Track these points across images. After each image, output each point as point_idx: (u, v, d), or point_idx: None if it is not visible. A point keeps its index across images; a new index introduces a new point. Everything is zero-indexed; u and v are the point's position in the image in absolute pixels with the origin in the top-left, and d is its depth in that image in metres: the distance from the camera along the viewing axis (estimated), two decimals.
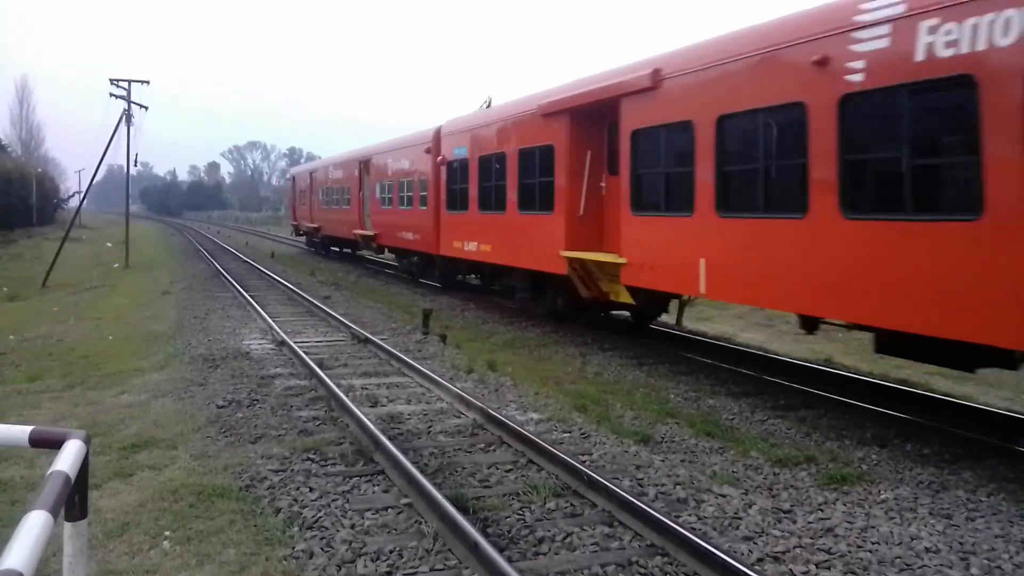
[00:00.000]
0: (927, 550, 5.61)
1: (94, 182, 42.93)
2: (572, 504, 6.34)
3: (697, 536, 5.36)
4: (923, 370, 13.47)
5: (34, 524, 2.38)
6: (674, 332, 15.74)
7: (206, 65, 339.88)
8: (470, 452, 7.73)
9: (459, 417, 8.95)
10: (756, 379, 11.30)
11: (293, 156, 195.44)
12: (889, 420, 9.05)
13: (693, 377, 11.61)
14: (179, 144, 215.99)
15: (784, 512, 6.30)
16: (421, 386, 10.48)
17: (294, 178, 46.22)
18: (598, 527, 5.87)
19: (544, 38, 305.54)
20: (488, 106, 19.46)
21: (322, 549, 5.49)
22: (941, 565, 5.36)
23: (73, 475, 3.01)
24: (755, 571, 4.87)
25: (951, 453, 7.97)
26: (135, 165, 40.80)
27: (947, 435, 8.48)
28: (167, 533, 5.79)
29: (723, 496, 6.60)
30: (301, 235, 45.20)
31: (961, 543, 5.75)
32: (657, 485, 6.86)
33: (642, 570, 5.20)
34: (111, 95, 38.15)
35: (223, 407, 9.35)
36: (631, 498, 6.03)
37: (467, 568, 5.14)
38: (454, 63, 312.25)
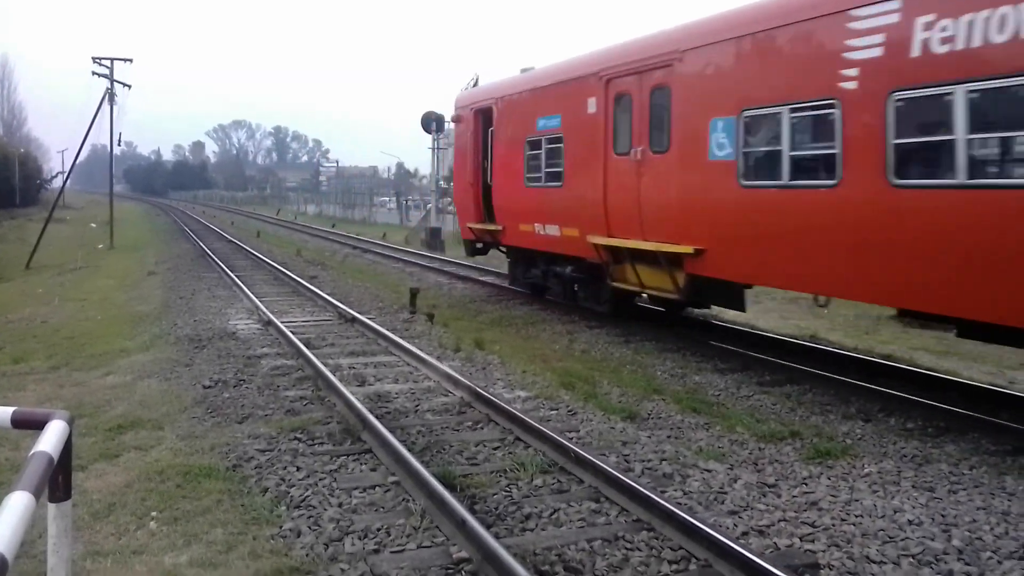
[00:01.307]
0: (910, 523, 5.67)
1: (77, 162, 42.42)
2: (559, 480, 6.37)
3: (683, 511, 5.40)
4: (908, 345, 13.59)
5: (16, 505, 2.36)
6: (660, 310, 15.77)
7: (190, 44, 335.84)
8: (458, 430, 7.75)
9: (447, 395, 8.96)
10: (742, 355, 11.36)
11: (279, 135, 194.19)
12: (874, 395, 9.13)
13: (679, 354, 11.66)
14: (163, 123, 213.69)
15: (769, 486, 6.36)
16: (408, 365, 10.47)
17: (481, 113, 17.00)
18: (585, 503, 5.90)
19: (531, 19, 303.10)
20: None
21: (309, 528, 5.50)
22: (923, 537, 5.42)
23: (56, 456, 3.00)
24: (740, 545, 4.91)
25: (934, 427, 8.05)
26: (119, 144, 40.41)
27: (931, 409, 8.56)
28: (154, 513, 5.78)
29: (709, 471, 6.65)
30: (480, 251, 18.51)
31: (943, 515, 5.81)
32: (643, 461, 6.90)
33: (628, 545, 5.23)
34: (94, 74, 37.68)
35: (209, 387, 9.32)
36: (617, 474, 6.06)
37: (454, 545, 5.16)
38: (438, 48, 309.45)
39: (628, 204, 11.91)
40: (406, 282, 19.05)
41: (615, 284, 12.68)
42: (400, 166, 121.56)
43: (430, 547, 5.19)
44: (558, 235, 13.86)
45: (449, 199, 49.69)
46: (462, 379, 9.08)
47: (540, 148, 14.32)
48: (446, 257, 28.29)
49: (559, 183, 13.75)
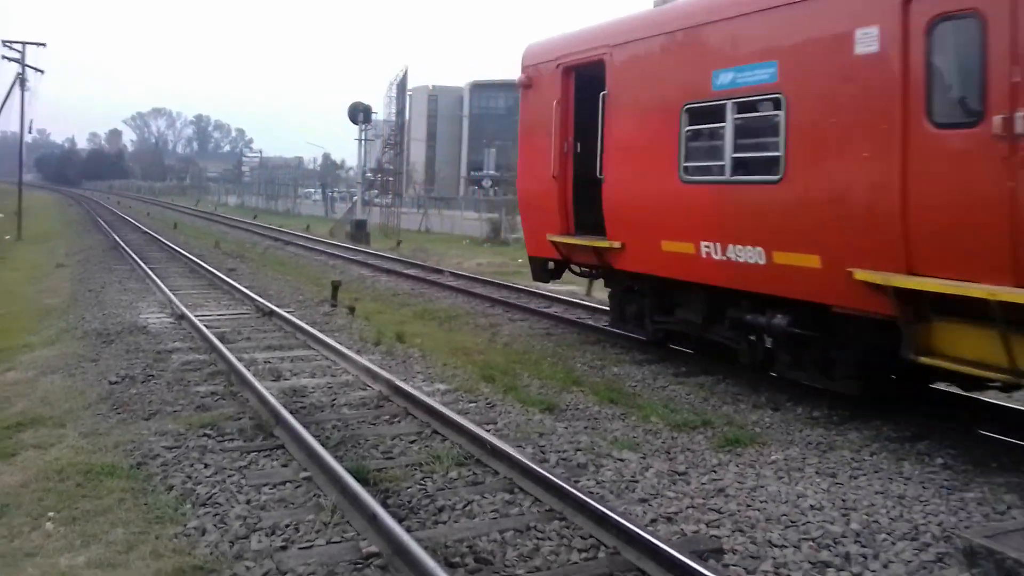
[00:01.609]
0: (812, 507, 5.86)
1: None
2: (474, 473, 6.38)
3: (594, 500, 5.47)
4: None
5: None
6: (585, 303, 15.94)
7: (109, 27, 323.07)
8: (374, 424, 7.67)
9: (365, 389, 8.87)
10: (660, 347, 11.55)
11: (200, 124, 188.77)
12: (783, 385, 9.40)
13: (600, 346, 11.80)
14: (79, 110, 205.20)
15: (679, 474, 6.49)
16: (327, 359, 10.32)
17: (577, 71, 11.35)
18: (499, 494, 5.92)
19: (463, 10, 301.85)
20: None
21: (215, 526, 5.37)
22: (823, 521, 5.61)
23: None
24: (648, 532, 5.00)
25: (839, 415, 8.34)
26: (29, 132, 38.72)
27: (836, 398, 8.86)
28: (51, 514, 5.55)
29: (622, 460, 6.75)
30: (554, 274, 12.62)
31: (844, 500, 6.03)
32: (559, 451, 6.96)
33: (540, 534, 5.27)
34: (4, 58, 36.01)
35: (116, 383, 9.00)
36: (532, 465, 6.10)
37: (364, 540, 5.10)
38: (367, 38, 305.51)
39: (973, 216, 6.51)
40: (328, 275, 18.78)
41: (926, 360, 6.99)
42: (326, 157, 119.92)
43: (340, 542, 5.12)
44: (760, 263, 8.28)
45: (376, 191, 49.22)
46: (381, 372, 8.99)
47: (721, 119, 8.70)
48: (371, 250, 28.01)
49: (773, 176, 8.10)
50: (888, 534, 5.44)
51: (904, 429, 7.86)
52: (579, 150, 11.35)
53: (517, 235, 37.59)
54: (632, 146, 10.17)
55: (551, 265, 12.39)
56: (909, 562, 5.03)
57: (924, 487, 6.35)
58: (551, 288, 18.86)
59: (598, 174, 10.57)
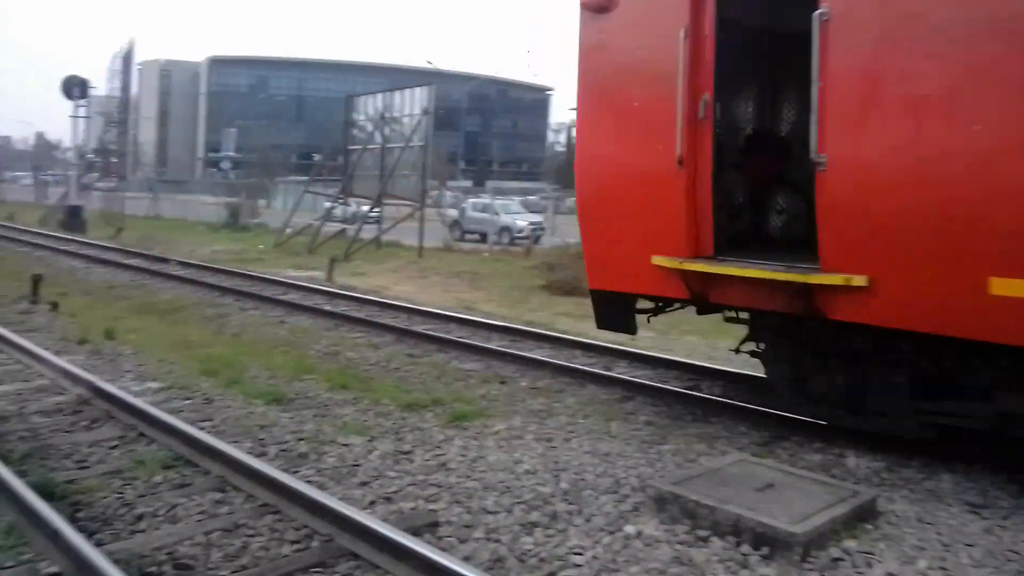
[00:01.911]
0: (526, 472, 6.13)
1: None
2: (183, 475, 5.93)
3: (311, 489, 5.31)
4: (552, 311, 14.85)
5: None
6: (325, 288, 15.60)
7: None
8: (69, 432, 6.89)
9: (61, 394, 7.94)
10: (397, 329, 11.59)
11: None
12: (510, 359, 9.80)
13: (336, 332, 11.59)
14: None
15: (404, 454, 6.50)
16: (19, 362, 9.13)
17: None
18: (208, 494, 5.56)
19: None
20: None
21: None
22: (536, 484, 5.88)
23: None
24: (364, 515, 4.93)
25: (560, 383, 8.84)
26: None
27: (558, 368, 9.39)
28: None
29: (346, 446, 6.63)
30: (624, 317, 7.84)
31: (556, 462, 6.36)
32: (280, 443, 6.68)
33: (250, 531, 5.01)
34: None
35: None
36: (246, 459, 5.79)
37: (45, 560, 4.56)
38: (89, 2, 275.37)
39: None
40: (31, 268, 16.68)
41: None
42: (40, 136, 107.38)
43: (14, 567, 4.52)
44: None
45: (98, 174, 44.56)
46: (82, 374, 8.11)
47: None
48: (87, 239, 25.40)
49: None
50: (593, 489, 5.81)
51: (614, 391, 8.49)
52: (719, 116, 7.30)
53: (258, 220, 36.08)
54: (910, 105, 5.68)
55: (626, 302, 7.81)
56: (609, 513, 5.40)
57: (627, 443, 6.88)
58: (288, 275, 18.34)
59: (812, 155, 6.10)
